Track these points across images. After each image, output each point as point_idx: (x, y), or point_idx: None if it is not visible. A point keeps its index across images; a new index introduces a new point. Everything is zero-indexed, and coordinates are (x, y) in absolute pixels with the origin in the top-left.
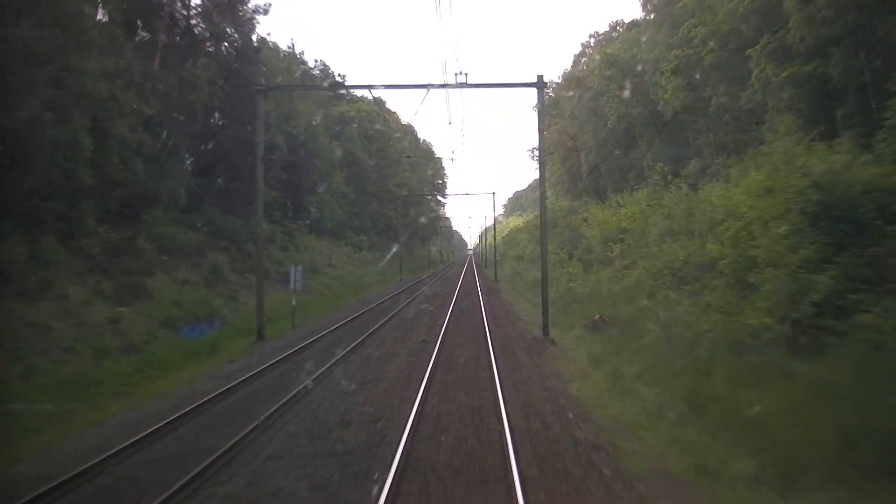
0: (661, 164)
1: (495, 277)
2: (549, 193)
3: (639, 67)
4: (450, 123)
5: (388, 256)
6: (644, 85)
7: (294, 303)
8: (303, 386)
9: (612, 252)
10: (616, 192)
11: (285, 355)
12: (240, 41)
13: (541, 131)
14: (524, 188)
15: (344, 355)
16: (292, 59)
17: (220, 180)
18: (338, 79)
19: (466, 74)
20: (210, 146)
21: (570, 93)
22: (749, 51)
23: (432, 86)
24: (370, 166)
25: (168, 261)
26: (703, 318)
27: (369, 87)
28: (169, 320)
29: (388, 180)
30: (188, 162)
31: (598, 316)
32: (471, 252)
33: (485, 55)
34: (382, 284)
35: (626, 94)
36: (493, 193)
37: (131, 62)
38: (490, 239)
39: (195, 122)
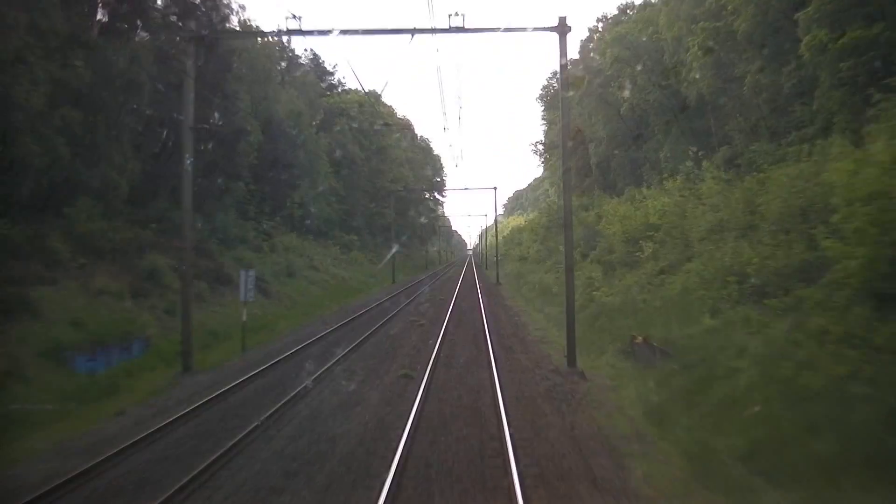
0: (693, 149)
1: (497, 280)
2: (551, 191)
3: (638, 66)
4: (438, 66)
5: (387, 258)
6: (661, 67)
7: (244, 318)
8: (194, 474)
9: (643, 253)
10: (628, 186)
11: (203, 402)
12: (204, 10)
13: (563, 88)
14: (524, 187)
15: (288, 402)
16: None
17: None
18: (329, 70)
19: (463, 16)
20: (165, 132)
21: (571, 93)
22: (798, 14)
23: (418, 30)
24: (362, 160)
25: (87, 265)
26: (823, 353)
27: (335, 31)
28: (56, 347)
29: (382, 176)
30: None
31: (639, 338)
32: (470, 252)
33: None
34: (372, 289)
35: (626, 93)
36: (495, 188)
37: (55, 21)
38: (490, 238)
39: (141, 99)
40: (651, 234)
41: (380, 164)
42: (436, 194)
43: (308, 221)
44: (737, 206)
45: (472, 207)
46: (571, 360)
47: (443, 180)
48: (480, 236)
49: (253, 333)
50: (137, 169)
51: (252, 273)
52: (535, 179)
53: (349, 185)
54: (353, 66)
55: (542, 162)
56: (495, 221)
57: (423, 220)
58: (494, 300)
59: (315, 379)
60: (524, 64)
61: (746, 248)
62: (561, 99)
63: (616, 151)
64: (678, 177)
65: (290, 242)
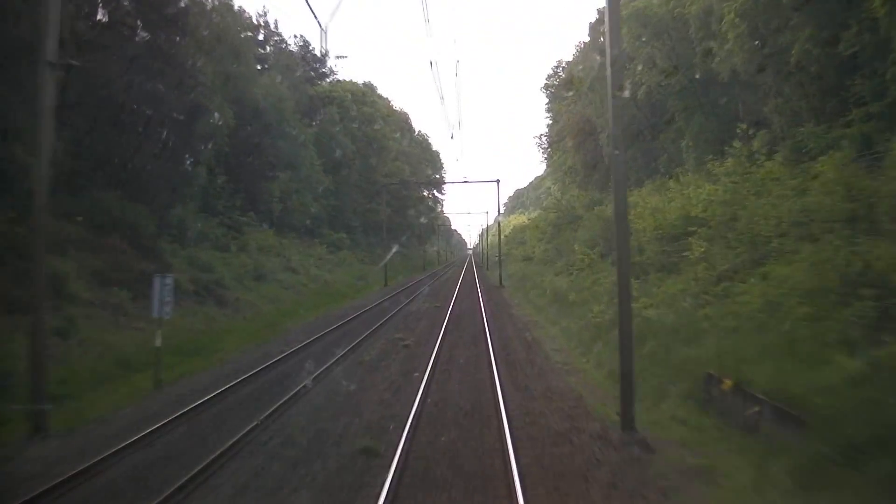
0: (743, 126)
1: (500, 282)
2: (554, 188)
3: (657, 44)
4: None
5: (387, 258)
6: (684, 45)
7: (158, 343)
8: None
9: (693, 253)
10: (646, 180)
11: None
12: None
13: (612, 15)
14: (525, 186)
15: None
16: (260, 29)
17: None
18: (319, 57)
19: None
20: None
21: (571, 92)
22: None
23: None
24: (355, 153)
25: None
26: None
27: None
28: None
29: (376, 171)
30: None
31: (727, 382)
32: (470, 252)
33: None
34: (360, 294)
35: (626, 93)
36: (498, 181)
37: None
38: (492, 237)
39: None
40: (695, 229)
41: (374, 158)
42: (434, 192)
43: (290, 218)
44: (834, 189)
45: (472, 205)
46: (627, 419)
47: (442, 177)
48: (480, 236)
49: (184, 358)
50: (61, 149)
51: (170, 280)
52: (536, 178)
53: (340, 180)
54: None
55: (546, 158)
56: (498, 217)
57: (422, 220)
58: (499, 308)
59: (226, 451)
60: (524, 63)
61: (885, 246)
62: (608, 31)
63: (638, 137)
64: (727, 159)
65: (266, 241)
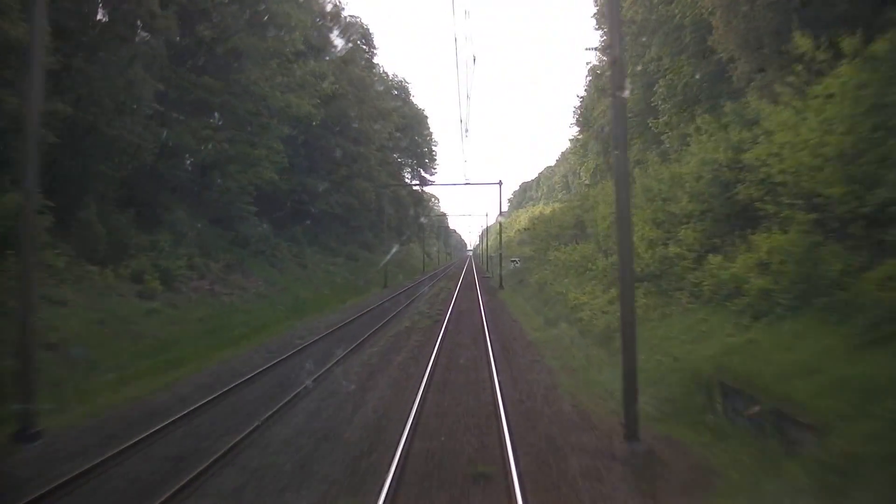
0: None
1: (592, 384)
2: (581, 169)
3: None
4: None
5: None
6: None
7: None
8: None
9: None
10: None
11: None
12: None
13: None
14: (533, 178)
15: None
16: None
17: None
18: None
19: None
20: None
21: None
22: None
23: None
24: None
25: None
26: None
27: None
28: None
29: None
30: None
31: None
32: (469, 253)
33: None
34: None
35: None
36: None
37: None
38: (495, 238)
39: None
40: None
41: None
42: (422, 172)
43: None
44: None
45: (476, 196)
46: None
47: (431, 150)
48: (481, 236)
49: None
50: None
51: None
52: (547, 168)
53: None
54: None
55: (583, 106)
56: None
57: (423, 220)
58: None
59: None
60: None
61: None
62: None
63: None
64: None
65: None
